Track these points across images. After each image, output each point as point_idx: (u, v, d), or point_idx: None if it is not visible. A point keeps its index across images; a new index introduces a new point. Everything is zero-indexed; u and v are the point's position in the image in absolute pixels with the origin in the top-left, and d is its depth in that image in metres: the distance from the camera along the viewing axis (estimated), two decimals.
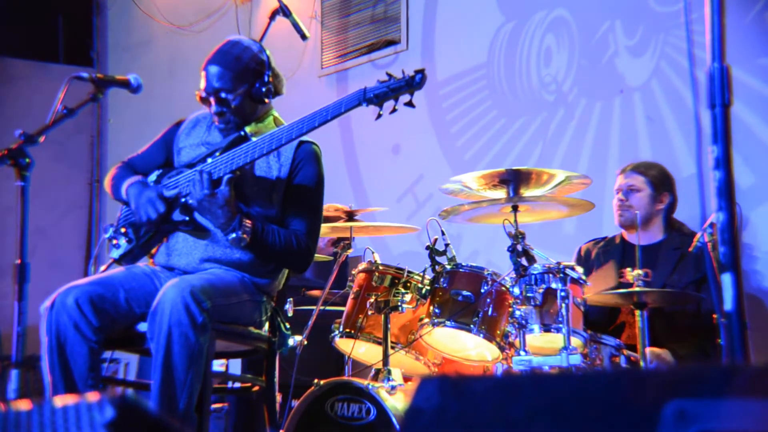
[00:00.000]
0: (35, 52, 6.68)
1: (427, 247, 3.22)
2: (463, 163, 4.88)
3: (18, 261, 2.34)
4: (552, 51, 4.66)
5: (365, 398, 3.08)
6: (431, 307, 3.16)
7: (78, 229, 6.80)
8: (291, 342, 3.45)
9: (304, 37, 3.74)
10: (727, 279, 1.50)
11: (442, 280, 3.18)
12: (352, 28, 5.51)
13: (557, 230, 4.35)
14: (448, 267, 3.19)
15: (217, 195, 2.70)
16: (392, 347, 3.22)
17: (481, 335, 3.07)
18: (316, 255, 3.06)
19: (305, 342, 3.54)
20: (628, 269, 3.14)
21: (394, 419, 2.98)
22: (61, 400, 1.22)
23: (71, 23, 6.95)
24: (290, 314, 3.46)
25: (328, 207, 3.82)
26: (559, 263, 2.99)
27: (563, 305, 2.93)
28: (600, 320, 3.57)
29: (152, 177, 2.95)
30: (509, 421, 1.09)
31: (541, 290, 2.97)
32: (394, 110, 2.56)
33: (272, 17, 3.69)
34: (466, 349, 3.29)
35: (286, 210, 2.87)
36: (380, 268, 3.31)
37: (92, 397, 1.18)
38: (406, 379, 3.24)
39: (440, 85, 5.09)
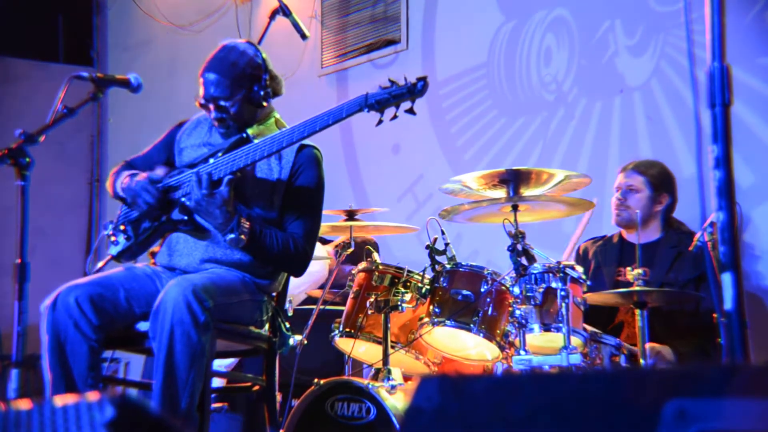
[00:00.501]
0: (35, 51, 6.68)
1: (427, 247, 3.22)
2: (463, 163, 4.88)
3: (18, 260, 2.34)
4: (552, 51, 4.66)
5: (365, 398, 3.08)
6: (431, 307, 3.16)
7: (78, 228, 6.80)
8: (291, 342, 3.46)
9: (304, 36, 3.74)
10: (727, 278, 1.50)
11: (442, 279, 3.18)
12: (352, 28, 5.51)
13: (557, 230, 4.35)
14: (448, 266, 3.19)
15: (216, 195, 2.70)
16: (392, 347, 3.22)
17: (481, 334, 3.07)
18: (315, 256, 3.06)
19: (305, 342, 3.54)
20: (628, 268, 3.14)
21: (394, 419, 2.98)
22: (61, 400, 1.23)
23: (71, 23, 6.95)
24: (290, 314, 3.46)
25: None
26: (559, 262, 2.99)
27: (563, 304, 2.93)
28: (598, 320, 3.57)
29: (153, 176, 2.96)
30: (509, 421, 1.09)
31: (541, 289, 2.97)
32: (394, 117, 2.56)
33: (272, 17, 3.70)
34: (466, 348, 3.29)
35: (286, 213, 2.87)
36: (380, 267, 3.31)
37: (92, 396, 1.18)
38: (406, 378, 3.24)
39: (440, 84, 5.09)
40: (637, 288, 3.04)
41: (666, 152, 4.09)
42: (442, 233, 3.26)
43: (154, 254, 3.00)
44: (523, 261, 3.00)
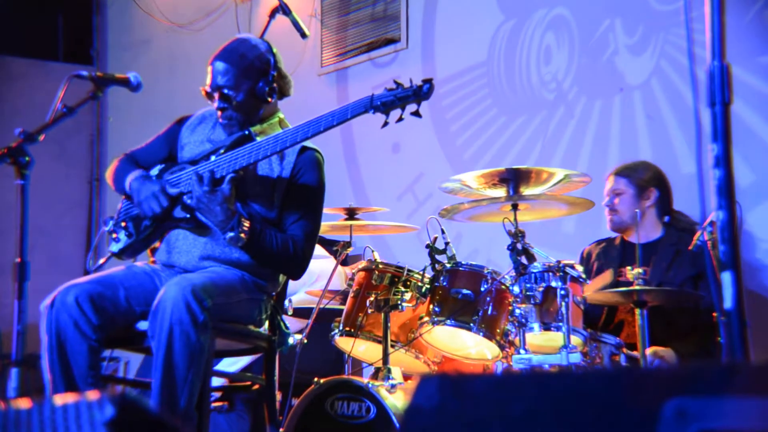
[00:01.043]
0: (35, 50, 6.67)
1: (427, 246, 3.22)
2: (463, 162, 4.88)
3: (18, 259, 2.34)
4: (552, 49, 4.66)
5: (365, 397, 3.08)
6: (431, 306, 3.16)
7: (78, 227, 6.80)
8: (291, 341, 3.45)
9: (303, 35, 3.74)
10: (727, 277, 1.50)
11: (441, 278, 3.18)
12: (352, 27, 5.51)
13: (557, 229, 4.35)
14: (448, 265, 3.19)
15: (217, 193, 2.70)
16: (392, 346, 3.22)
17: (481, 334, 3.07)
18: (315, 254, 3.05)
19: (305, 341, 3.54)
20: (628, 268, 3.14)
21: (393, 418, 2.98)
22: (61, 399, 1.22)
23: (71, 21, 6.95)
24: (290, 313, 3.46)
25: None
26: (558, 261, 2.99)
27: (563, 304, 2.93)
28: (597, 319, 3.57)
29: (154, 171, 2.96)
30: (509, 420, 1.09)
31: (540, 288, 2.97)
32: (400, 119, 2.56)
33: (272, 15, 3.70)
34: (466, 347, 3.29)
35: (286, 214, 2.87)
36: (380, 266, 3.31)
37: (92, 395, 1.18)
38: (406, 377, 3.24)
39: (440, 83, 5.09)
40: (636, 287, 3.04)
41: (666, 151, 4.09)
42: (442, 232, 3.26)
43: (153, 251, 3.00)
44: (523, 260, 3.00)
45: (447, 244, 3.24)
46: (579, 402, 1.07)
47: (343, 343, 3.39)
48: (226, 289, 2.73)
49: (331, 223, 3.81)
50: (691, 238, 3.22)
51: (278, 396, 3.06)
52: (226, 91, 2.85)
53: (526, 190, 3.12)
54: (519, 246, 3.00)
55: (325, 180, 2.95)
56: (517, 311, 2.97)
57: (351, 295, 3.37)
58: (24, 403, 1.27)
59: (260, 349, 2.97)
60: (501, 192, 3.14)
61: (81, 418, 1.18)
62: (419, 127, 5.09)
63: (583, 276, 3.06)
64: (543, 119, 4.63)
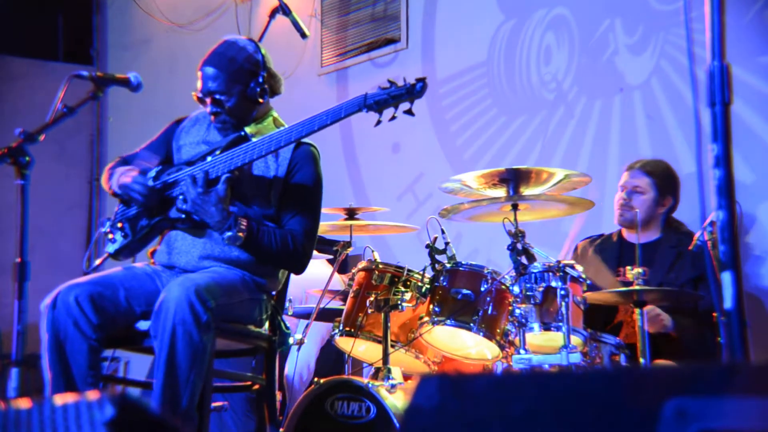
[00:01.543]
0: (35, 50, 6.67)
1: (427, 246, 3.22)
2: (463, 162, 4.88)
3: (18, 259, 2.34)
4: (552, 49, 4.66)
5: (365, 397, 3.08)
6: (431, 306, 3.16)
7: (78, 227, 6.80)
8: (291, 341, 3.45)
9: (303, 35, 3.74)
10: (727, 277, 1.50)
11: (441, 278, 3.18)
12: (352, 27, 5.51)
13: (557, 229, 4.35)
14: (448, 265, 3.19)
15: (211, 194, 2.70)
16: (392, 346, 3.22)
17: (481, 334, 3.07)
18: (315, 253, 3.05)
19: (305, 341, 3.54)
20: (628, 267, 3.14)
21: (393, 418, 2.98)
22: (61, 399, 1.22)
23: (71, 21, 6.94)
24: (290, 313, 3.46)
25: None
26: (559, 261, 2.99)
27: (563, 304, 2.93)
28: (597, 319, 3.56)
29: (151, 173, 2.96)
30: (509, 420, 1.09)
31: (541, 288, 2.97)
32: (393, 117, 2.57)
33: (272, 15, 3.70)
34: (466, 347, 3.29)
35: (284, 210, 2.87)
36: (380, 266, 3.31)
37: (92, 395, 1.18)
38: (406, 377, 3.24)
39: (440, 83, 5.09)
40: (636, 287, 3.04)
41: (666, 151, 4.09)
42: (442, 232, 3.26)
43: (153, 253, 3.00)
44: (523, 260, 3.00)
45: (447, 244, 3.24)
46: (579, 402, 1.07)
47: (343, 343, 3.39)
48: (228, 289, 2.73)
49: (331, 223, 3.81)
50: (690, 239, 3.22)
51: (278, 396, 3.06)
52: (217, 96, 2.85)
53: (526, 190, 3.12)
54: (519, 246, 3.00)
55: (321, 174, 2.94)
56: (517, 311, 2.97)
57: (351, 295, 3.37)
58: (24, 403, 1.27)
59: (260, 349, 2.97)
60: (501, 192, 3.14)
61: (81, 418, 1.18)
62: (419, 127, 5.10)
63: (583, 276, 3.06)
64: (543, 119, 4.63)
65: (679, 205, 3.73)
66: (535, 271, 3.00)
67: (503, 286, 3.10)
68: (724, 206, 1.53)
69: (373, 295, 3.22)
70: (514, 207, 3.07)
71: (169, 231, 2.94)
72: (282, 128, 2.78)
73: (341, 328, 3.32)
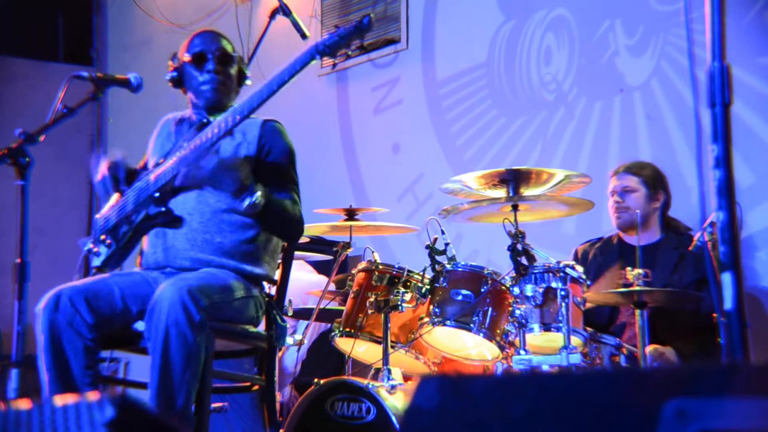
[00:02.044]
0: (35, 50, 6.67)
1: (427, 247, 3.22)
2: (463, 163, 4.88)
3: (18, 260, 2.34)
4: (552, 50, 4.66)
5: (365, 397, 3.08)
6: (431, 307, 3.16)
7: (78, 228, 6.80)
8: (291, 341, 3.45)
9: (303, 36, 3.73)
10: (727, 278, 1.50)
11: (441, 279, 3.17)
12: None
13: (557, 229, 4.35)
14: (448, 266, 3.19)
15: (226, 160, 2.72)
16: (392, 346, 3.22)
17: (481, 334, 3.07)
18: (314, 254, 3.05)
19: (304, 341, 3.53)
20: (629, 269, 3.14)
21: (393, 419, 2.98)
22: (61, 400, 1.22)
23: (71, 22, 6.95)
24: (290, 314, 3.46)
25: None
26: (559, 262, 2.99)
27: (563, 304, 2.93)
28: (599, 321, 3.57)
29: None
30: (509, 421, 1.09)
31: (541, 289, 2.97)
32: (347, 57, 2.61)
33: (272, 16, 3.69)
34: (466, 348, 3.29)
35: (268, 186, 2.85)
36: (380, 267, 3.31)
37: (92, 396, 1.18)
38: (406, 378, 3.24)
39: (440, 84, 5.09)
40: (637, 288, 3.04)
41: (666, 152, 4.09)
42: (442, 233, 3.26)
43: (141, 260, 3.00)
44: (523, 261, 3.00)
45: (447, 244, 3.24)
46: (579, 403, 1.07)
47: (343, 343, 3.39)
48: (221, 288, 2.72)
49: (331, 223, 3.81)
50: (690, 240, 3.22)
51: (278, 397, 3.06)
52: (223, 55, 2.93)
53: (527, 191, 3.12)
54: (519, 247, 3.00)
55: (293, 145, 2.98)
56: (518, 312, 2.97)
57: (351, 296, 3.37)
58: (24, 404, 1.27)
59: (260, 349, 2.96)
60: (501, 193, 3.14)
61: (81, 419, 1.18)
62: (419, 128, 5.10)
63: (584, 276, 3.06)
64: (543, 120, 4.63)
65: (678, 206, 3.73)
66: (535, 271, 3.00)
67: (503, 287, 3.10)
68: (724, 207, 1.53)
69: (373, 296, 3.22)
70: (514, 208, 3.07)
71: (150, 231, 2.93)
72: (244, 100, 2.77)
73: (341, 328, 3.32)
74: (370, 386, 3.07)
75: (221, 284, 2.74)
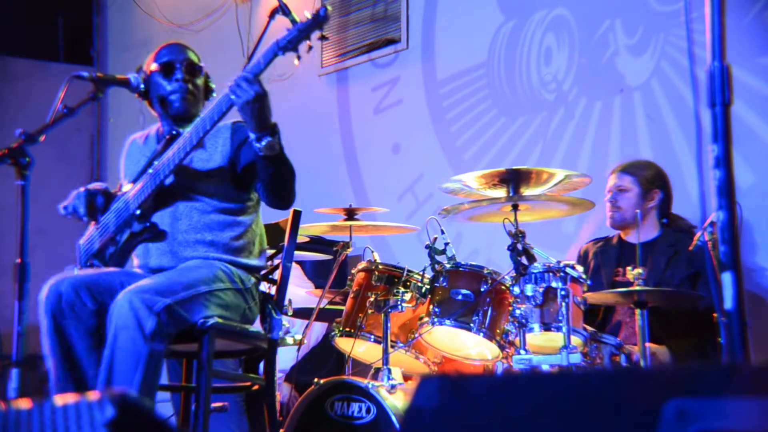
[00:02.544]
0: (35, 50, 6.67)
1: (427, 246, 3.22)
2: (463, 162, 4.88)
3: (18, 260, 2.34)
4: (552, 50, 4.66)
5: (365, 397, 3.08)
6: (431, 306, 3.16)
7: (78, 228, 6.79)
8: (290, 341, 3.45)
9: None
10: (727, 278, 1.50)
11: (441, 279, 3.18)
12: (352, 27, 5.51)
13: (557, 229, 4.35)
14: (448, 266, 3.19)
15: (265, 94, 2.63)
16: (392, 346, 3.22)
17: (481, 334, 3.07)
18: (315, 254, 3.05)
19: (304, 341, 3.53)
20: (628, 268, 3.14)
21: (393, 418, 2.98)
22: (61, 399, 1.22)
23: (71, 22, 6.95)
24: (290, 313, 3.46)
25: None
26: (559, 262, 2.99)
27: (563, 304, 2.93)
28: (593, 320, 3.56)
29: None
30: (509, 420, 1.09)
31: (541, 289, 2.97)
32: (310, 48, 2.60)
33: (272, 16, 3.68)
34: (466, 348, 3.29)
35: (257, 178, 2.83)
36: (380, 267, 3.31)
37: (93, 395, 1.18)
38: (406, 378, 3.24)
39: (440, 84, 5.09)
40: (636, 288, 3.04)
41: (666, 152, 4.09)
42: (442, 233, 3.26)
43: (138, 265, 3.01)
44: (524, 260, 3.00)
45: (447, 244, 3.24)
46: (579, 402, 1.07)
47: (343, 343, 3.39)
48: (192, 283, 2.67)
49: (331, 223, 3.81)
50: (689, 239, 3.22)
51: (278, 397, 3.06)
52: (195, 66, 2.92)
53: (527, 191, 3.12)
54: (519, 246, 3.00)
55: None
56: (518, 311, 2.97)
57: (351, 295, 3.37)
58: (24, 404, 1.27)
59: (260, 349, 2.96)
60: (501, 192, 3.14)
61: (81, 418, 1.18)
62: (419, 128, 5.10)
63: (584, 276, 3.06)
64: (543, 120, 4.63)
65: (679, 206, 3.73)
66: (535, 271, 3.00)
67: (503, 287, 3.10)
68: (724, 207, 1.53)
69: (372, 296, 3.22)
70: (515, 207, 3.07)
71: (136, 246, 2.93)
72: (211, 107, 2.74)
73: (341, 328, 3.32)
74: (370, 386, 3.07)
75: (194, 279, 2.69)
